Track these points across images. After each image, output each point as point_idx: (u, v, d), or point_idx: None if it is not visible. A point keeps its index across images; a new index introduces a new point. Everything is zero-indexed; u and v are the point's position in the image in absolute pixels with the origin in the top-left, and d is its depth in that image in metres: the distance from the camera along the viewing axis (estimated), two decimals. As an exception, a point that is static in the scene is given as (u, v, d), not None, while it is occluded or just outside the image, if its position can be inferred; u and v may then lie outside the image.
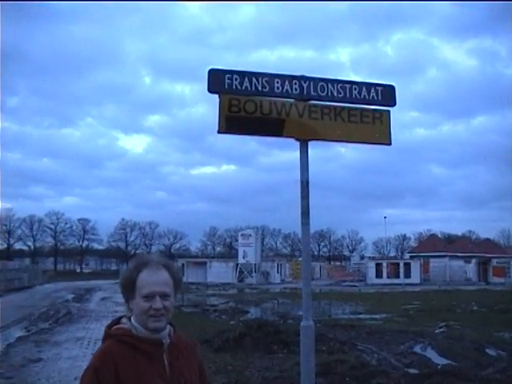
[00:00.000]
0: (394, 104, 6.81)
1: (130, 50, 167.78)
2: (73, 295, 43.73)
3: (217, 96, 6.20)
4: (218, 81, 6.22)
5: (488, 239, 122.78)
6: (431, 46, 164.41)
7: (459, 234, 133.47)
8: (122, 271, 2.96)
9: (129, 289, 2.78)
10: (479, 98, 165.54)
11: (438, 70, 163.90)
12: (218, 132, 6.12)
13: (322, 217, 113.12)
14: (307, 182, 6.34)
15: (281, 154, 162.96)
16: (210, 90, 6.21)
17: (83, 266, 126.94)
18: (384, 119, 6.67)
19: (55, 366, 13.64)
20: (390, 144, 6.67)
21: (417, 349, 15.66)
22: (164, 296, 2.73)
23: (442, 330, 19.93)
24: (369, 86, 6.70)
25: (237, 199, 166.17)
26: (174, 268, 2.89)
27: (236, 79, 6.25)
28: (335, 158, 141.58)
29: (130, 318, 2.81)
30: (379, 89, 6.71)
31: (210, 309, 31.28)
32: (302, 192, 6.35)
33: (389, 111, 6.79)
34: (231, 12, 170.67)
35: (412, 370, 12.62)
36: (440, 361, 13.80)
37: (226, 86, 6.23)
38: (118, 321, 2.86)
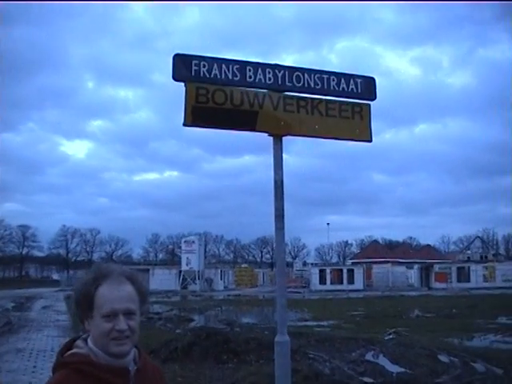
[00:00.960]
0: (374, 97, 6.34)
1: (73, 54, 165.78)
2: (13, 304, 42.40)
3: (183, 85, 5.65)
4: (183, 67, 5.60)
5: (428, 245, 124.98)
6: (375, 53, 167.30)
7: (400, 240, 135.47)
8: (76, 284, 2.38)
9: (85, 306, 2.29)
10: (422, 106, 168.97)
11: (381, 78, 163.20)
12: (184, 125, 5.53)
13: (263, 223, 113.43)
14: (281, 182, 5.79)
15: (224, 160, 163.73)
16: (175, 78, 5.57)
17: (23, 274, 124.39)
18: (364, 113, 6.20)
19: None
20: (370, 141, 6.23)
21: (369, 356, 15.44)
22: (129, 314, 2.26)
23: (391, 336, 19.86)
24: (348, 77, 6.20)
25: (179, 206, 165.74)
26: (140, 280, 2.39)
27: (204, 66, 5.65)
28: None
29: (85, 340, 2.30)
30: (359, 81, 6.21)
31: (154, 317, 30.64)
32: (275, 193, 5.79)
33: (369, 105, 6.34)
34: (175, 16, 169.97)
35: (367, 379, 12.39)
36: (394, 369, 13.62)
37: (193, 74, 5.63)
38: (71, 344, 2.34)
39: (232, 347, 15.16)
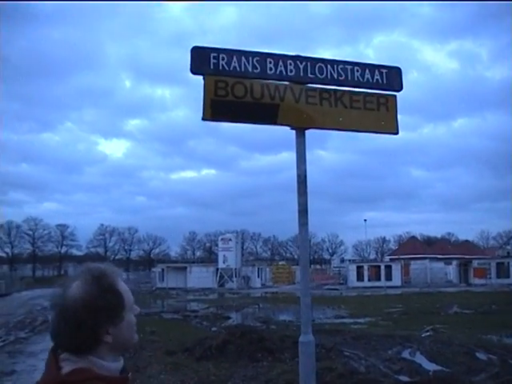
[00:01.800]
0: (400, 88, 6.13)
1: (110, 53, 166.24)
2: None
3: (201, 78, 5.51)
4: (202, 60, 5.46)
5: (467, 241, 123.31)
6: (412, 48, 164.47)
7: (438, 236, 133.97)
8: (91, 292, 1.96)
9: (117, 309, 2.00)
10: (460, 101, 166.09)
11: (419, 73, 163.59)
12: (203, 119, 5.38)
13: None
14: (305, 177, 5.63)
15: (262, 157, 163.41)
16: (193, 71, 5.44)
17: (62, 273, 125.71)
18: (390, 105, 6.00)
19: (30, 379, 12.92)
20: (397, 133, 6.04)
21: (405, 354, 15.31)
22: None
23: (428, 333, 19.59)
24: (373, 67, 6.00)
25: (217, 203, 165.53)
26: None
27: (223, 59, 5.51)
28: (315, 161, 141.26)
29: (75, 354, 1.95)
30: (384, 71, 6.01)
31: (190, 315, 30.75)
32: (299, 188, 5.62)
33: (395, 96, 6.14)
34: (212, 14, 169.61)
35: (403, 378, 12.26)
36: (430, 367, 13.49)
37: (212, 67, 5.50)
38: (56, 360, 1.96)
39: (267, 345, 15.10)
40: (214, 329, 22.38)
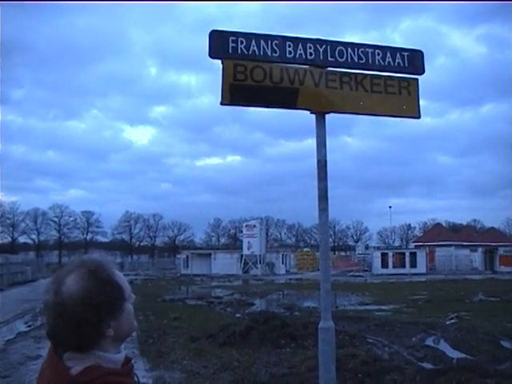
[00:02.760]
0: (422, 72, 6.02)
1: (135, 41, 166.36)
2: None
3: (219, 62, 5.46)
4: (220, 44, 5.41)
5: (493, 228, 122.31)
6: (440, 33, 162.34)
7: (464, 223, 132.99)
8: (90, 288, 1.88)
9: (118, 301, 1.95)
10: (488, 86, 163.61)
11: (446, 58, 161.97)
12: (222, 103, 5.33)
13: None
14: (325, 162, 5.57)
15: (287, 144, 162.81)
16: (212, 56, 5.39)
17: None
18: (412, 89, 5.90)
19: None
20: (418, 117, 5.94)
21: (429, 341, 15.26)
22: None
23: (453, 321, 19.46)
24: (394, 50, 5.89)
25: (241, 190, 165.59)
26: None
27: (242, 42, 5.45)
28: (340, 148, 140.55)
29: (80, 352, 1.90)
30: (405, 54, 5.90)
31: (214, 301, 30.84)
32: (319, 173, 5.55)
33: (417, 80, 6.03)
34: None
35: (426, 365, 12.21)
36: (454, 354, 13.41)
37: (230, 51, 5.44)
38: (58, 360, 1.91)
39: (290, 332, 15.10)
40: (237, 315, 22.42)
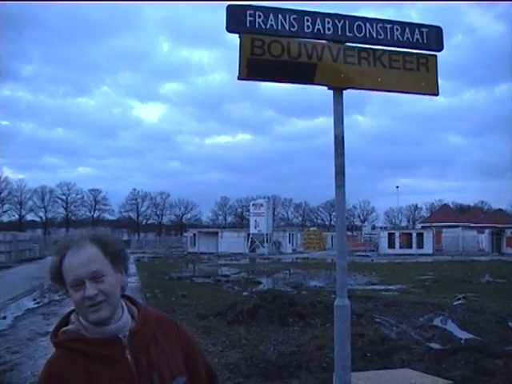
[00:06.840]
0: (441, 48, 5.92)
1: (147, 15, 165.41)
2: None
3: (237, 36, 5.40)
4: (238, 18, 5.33)
5: (500, 210, 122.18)
6: (458, 10, 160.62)
7: (471, 204, 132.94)
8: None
9: (58, 281, 2.20)
10: (504, 65, 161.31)
11: (463, 36, 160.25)
12: (239, 78, 5.28)
13: (333, 186, 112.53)
14: (342, 138, 5.52)
15: (298, 122, 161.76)
16: (229, 30, 5.30)
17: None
18: (430, 65, 5.81)
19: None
20: (437, 94, 5.87)
21: (437, 322, 15.30)
22: (94, 278, 2.11)
23: (460, 301, 19.48)
24: (412, 26, 5.79)
25: (250, 169, 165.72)
26: (106, 239, 2.22)
27: (259, 16, 5.36)
28: (352, 126, 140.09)
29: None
30: (424, 30, 5.79)
31: (221, 279, 30.93)
32: (336, 149, 5.49)
33: (435, 56, 5.95)
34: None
35: (434, 345, 12.22)
36: (462, 335, 13.43)
37: (248, 25, 5.34)
38: (66, 319, 2.25)
39: (298, 310, 15.14)
40: (245, 293, 22.48)
